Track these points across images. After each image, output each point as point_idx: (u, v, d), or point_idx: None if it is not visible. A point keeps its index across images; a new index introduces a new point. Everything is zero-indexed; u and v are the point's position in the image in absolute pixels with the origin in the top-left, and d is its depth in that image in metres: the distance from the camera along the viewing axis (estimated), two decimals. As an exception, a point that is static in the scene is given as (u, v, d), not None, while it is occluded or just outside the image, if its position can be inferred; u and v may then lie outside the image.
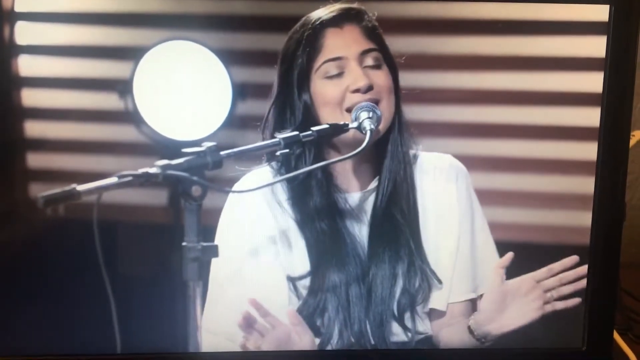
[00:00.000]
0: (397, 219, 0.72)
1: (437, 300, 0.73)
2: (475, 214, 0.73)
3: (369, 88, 0.69)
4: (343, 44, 0.69)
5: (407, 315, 0.72)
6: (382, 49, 0.70)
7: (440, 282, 0.72)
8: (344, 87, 0.69)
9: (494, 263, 0.72)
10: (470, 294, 0.74)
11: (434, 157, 0.73)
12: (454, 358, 0.74)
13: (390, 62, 0.70)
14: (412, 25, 0.70)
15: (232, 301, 0.70)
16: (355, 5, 0.69)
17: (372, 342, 0.72)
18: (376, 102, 0.69)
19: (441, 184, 0.73)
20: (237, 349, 0.70)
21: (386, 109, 0.70)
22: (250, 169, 0.70)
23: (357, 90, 0.68)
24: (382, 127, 0.70)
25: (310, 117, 0.70)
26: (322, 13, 0.68)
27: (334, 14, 0.69)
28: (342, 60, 0.69)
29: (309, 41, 0.68)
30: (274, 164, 0.71)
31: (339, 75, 0.69)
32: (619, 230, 0.72)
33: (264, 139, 0.70)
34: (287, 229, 0.71)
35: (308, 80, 0.69)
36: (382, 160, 0.72)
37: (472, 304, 0.74)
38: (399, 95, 0.71)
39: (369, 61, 0.69)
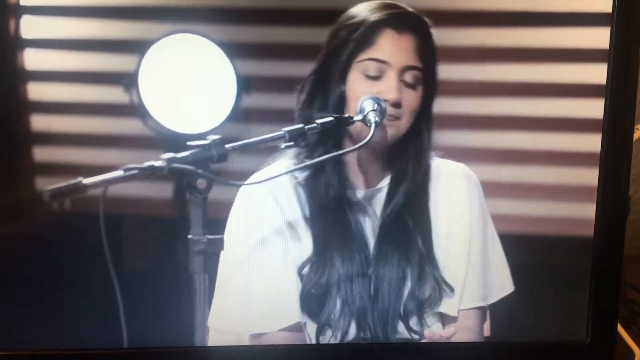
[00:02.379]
0: (408, 223, 0.72)
1: (448, 305, 0.73)
2: (487, 224, 0.73)
3: (397, 104, 0.68)
4: (393, 50, 0.68)
5: (414, 319, 0.72)
6: (427, 69, 0.68)
7: (452, 290, 0.72)
8: (375, 92, 0.68)
9: (504, 273, 0.73)
10: (480, 301, 0.73)
11: (448, 165, 0.72)
12: (458, 352, 0.74)
13: (429, 85, 0.69)
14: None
15: (239, 296, 0.70)
16: (424, 16, 0.68)
17: (378, 337, 0.72)
18: (397, 118, 0.69)
19: (455, 191, 0.73)
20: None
21: (402, 126, 0.69)
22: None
23: (385, 101, 0.68)
24: (391, 136, 0.69)
25: (340, 104, 0.69)
26: (383, 10, 0.67)
27: (400, 15, 0.67)
28: (384, 64, 0.68)
29: (366, 31, 0.67)
30: (288, 160, 0.70)
31: (376, 78, 0.68)
32: (623, 223, 0.72)
33: (299, 115, 0.69)
34: (295, 221, 0.71)
35: (348, 68, 0.68)
36: (396, 164, 0.72)
37: (482, 312, 0.74)
38: (430, 117, 0.70)
39: (408, 78, 0.68)
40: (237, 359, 0.72)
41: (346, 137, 0.71)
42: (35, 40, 0.68)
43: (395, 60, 0.68)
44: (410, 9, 0.68)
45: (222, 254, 0.66)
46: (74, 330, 0.71)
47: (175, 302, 0.69)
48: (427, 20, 0.68)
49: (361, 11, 0.68)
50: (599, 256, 0.72)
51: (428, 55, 0.68)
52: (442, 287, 0.72)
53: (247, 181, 0.69)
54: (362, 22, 0.67)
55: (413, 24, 0.68)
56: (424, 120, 0.70)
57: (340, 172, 0.72)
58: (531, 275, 0.74)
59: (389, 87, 0.68)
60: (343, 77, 0.69)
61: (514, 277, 0.73)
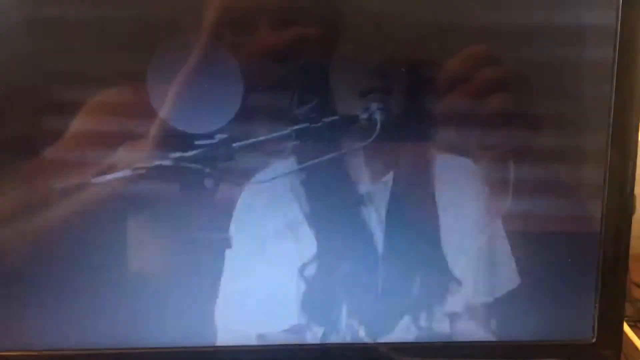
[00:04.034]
0: (414, 219, 0.72)
1: (456, 301, 0.73)
2: (492, 219, 0.73)
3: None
4: None
5: (423, 316, 0.73)
6: None
7: (459, 283, 0.72)
8: None
9: (510, 267, 0.73)
10: (486, 296, 0.74)
11: (453, 160, 0.72)
12: (464, 351, 0.74)
13: None
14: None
15: (241, 297, 0.71)
16: None
17: (384, 337, 0.72)
18: (389, 92, 0.69)
19: (460, 186, 0.73)
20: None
21: (398, 102, 0.69)
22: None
23: None
24: (392, 119, 0.70)
25: (329, 97, 0.69)
26: None
27: None
28: None
29: None
30: (291, 159, 0.70)
31: None
32: (629, 222, 0.72)
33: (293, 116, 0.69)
34: (297, 221, 0.71)
35: None
36: (397, 154, 0.72)
37: (488, 309, 0.74)
38: (419, 98, 0.69)
39: None
40: (241, 359, 0.73)
41: (347, 134, 0.71)
42: (43, 37, 0.68)
43: None
44: None
45: (226, 254, 0.67)
46: (77, 330, 0.71)
47: (182, 301, 0.69)
48: None
49: None
50: (605, 255, 0.72)
51: None
52: (449, 283, 0.72)
53: (252, 180, 0.69)
54: None
55: None
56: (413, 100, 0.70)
57: (343, 169, 0.72)
58: (536, 274, 0.73)
59: None
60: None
61: (519, 275, 0.73)
